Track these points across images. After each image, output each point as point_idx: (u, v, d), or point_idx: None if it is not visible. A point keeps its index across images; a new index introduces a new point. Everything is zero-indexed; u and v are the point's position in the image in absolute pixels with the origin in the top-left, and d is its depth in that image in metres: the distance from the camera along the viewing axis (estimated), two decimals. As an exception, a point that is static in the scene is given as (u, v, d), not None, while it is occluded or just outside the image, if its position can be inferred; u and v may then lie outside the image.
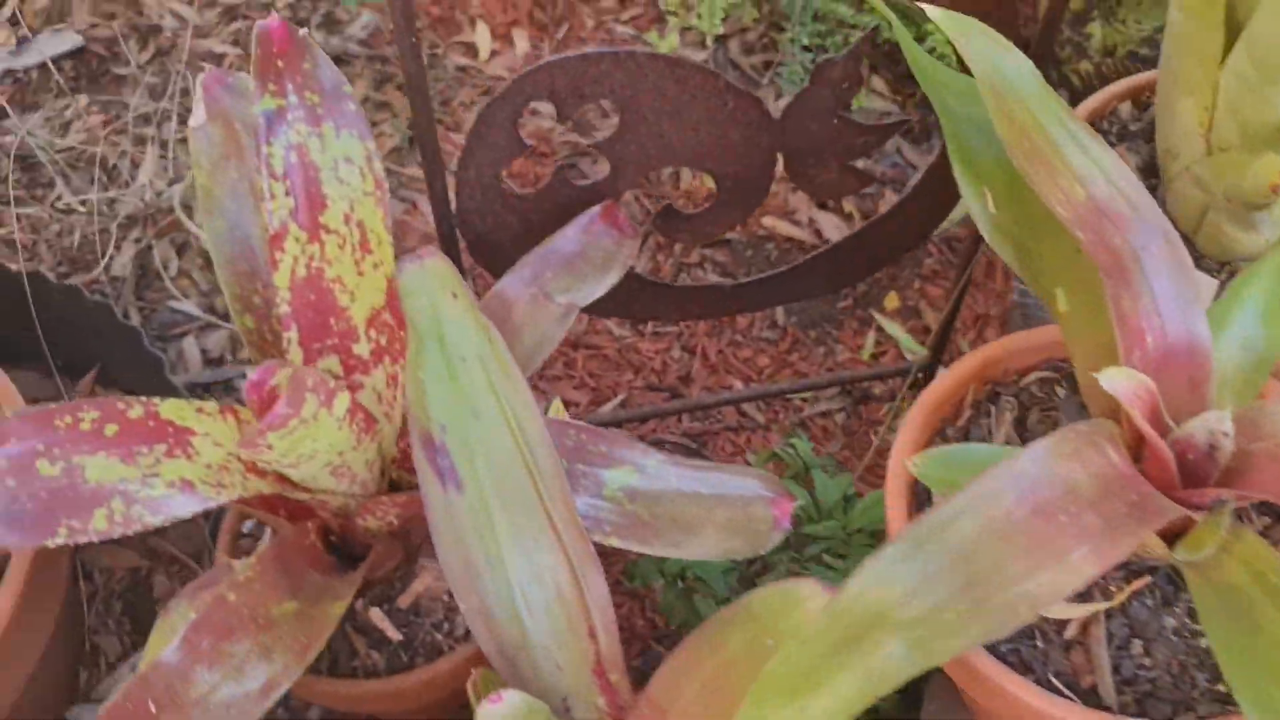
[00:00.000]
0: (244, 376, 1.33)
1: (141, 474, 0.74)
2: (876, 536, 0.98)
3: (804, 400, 1.34)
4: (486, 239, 0.97)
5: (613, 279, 0.91)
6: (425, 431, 0.70)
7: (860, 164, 1.01)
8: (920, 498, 0.73)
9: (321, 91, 0.81)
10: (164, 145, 1.48)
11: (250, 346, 0.89)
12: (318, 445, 0.74)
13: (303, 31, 0.81)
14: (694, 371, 1.35)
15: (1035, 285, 0.63)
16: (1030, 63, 0.60)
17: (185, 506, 0.73)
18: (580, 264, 0.92)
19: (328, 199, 0.82)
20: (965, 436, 0.74)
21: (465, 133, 1.54)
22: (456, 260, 0.99)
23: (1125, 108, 0.91)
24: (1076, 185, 0.58)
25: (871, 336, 1.40)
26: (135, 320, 1.33)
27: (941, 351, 1.27)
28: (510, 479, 0.71)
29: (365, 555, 0.91)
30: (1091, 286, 0.61)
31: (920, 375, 1.32)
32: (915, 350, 1.39)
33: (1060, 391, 0.75)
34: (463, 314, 0.72)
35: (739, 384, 1.35)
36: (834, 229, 1.48)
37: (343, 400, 0.74)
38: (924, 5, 0.64)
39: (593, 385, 1.34)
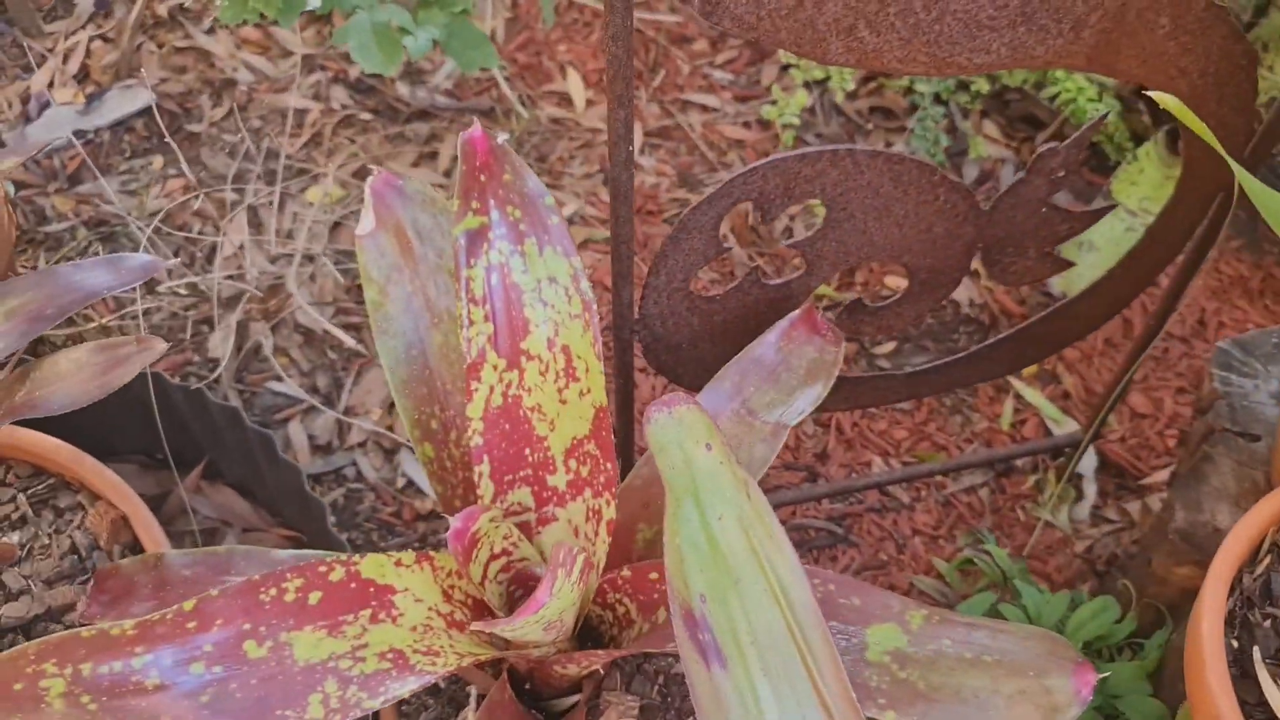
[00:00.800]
0: (354, 465, 1.25)
1: (350, 647, 0.66)
2: (1088, 652, 0.91)
3: (947, 476, 1.27)
4: (664, 340, 0.90)
5: (819, 391, 0.84)
6: (685, 604, 0.63)
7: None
8: (1227, 657, 0.65)
9: (524, 205, 0.74)
10: (252, 211, 1.40)
11: (430, 477, 0.81)
12: (549, 613, 0.67)
13: (503, 138, 0.73)
14: (829, 448, 1.28)
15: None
16: None
17: (403, 686, 0.66)
18: (784, 375, 0.84)
19: (530, 323, 0.74)
20: (1266, 587, 0.67)
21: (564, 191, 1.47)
22: (629, 365, 0.92)
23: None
24: None
25: (1009, 404, 1.33)
26: (236, 403, 1.25)
27: (1100, 431, 1.21)
28: (776, 652, 0.63)
29: (555, 695, 0.84)
30: None
31: (1068, 449, 1.26)
32: (1057, 419, 1.31)
33: (1371, 535, 0.68)
34: (718, 467, 0.65)
35: (877, 459, 1.27)
36: (962, 288, 1.41)
37: (580, 562, 0.66)
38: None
39: (725, 466, 1.26)
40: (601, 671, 0.81)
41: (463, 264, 0.73)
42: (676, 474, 0.64)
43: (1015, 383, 1.34)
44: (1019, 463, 1.29)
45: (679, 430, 0.65)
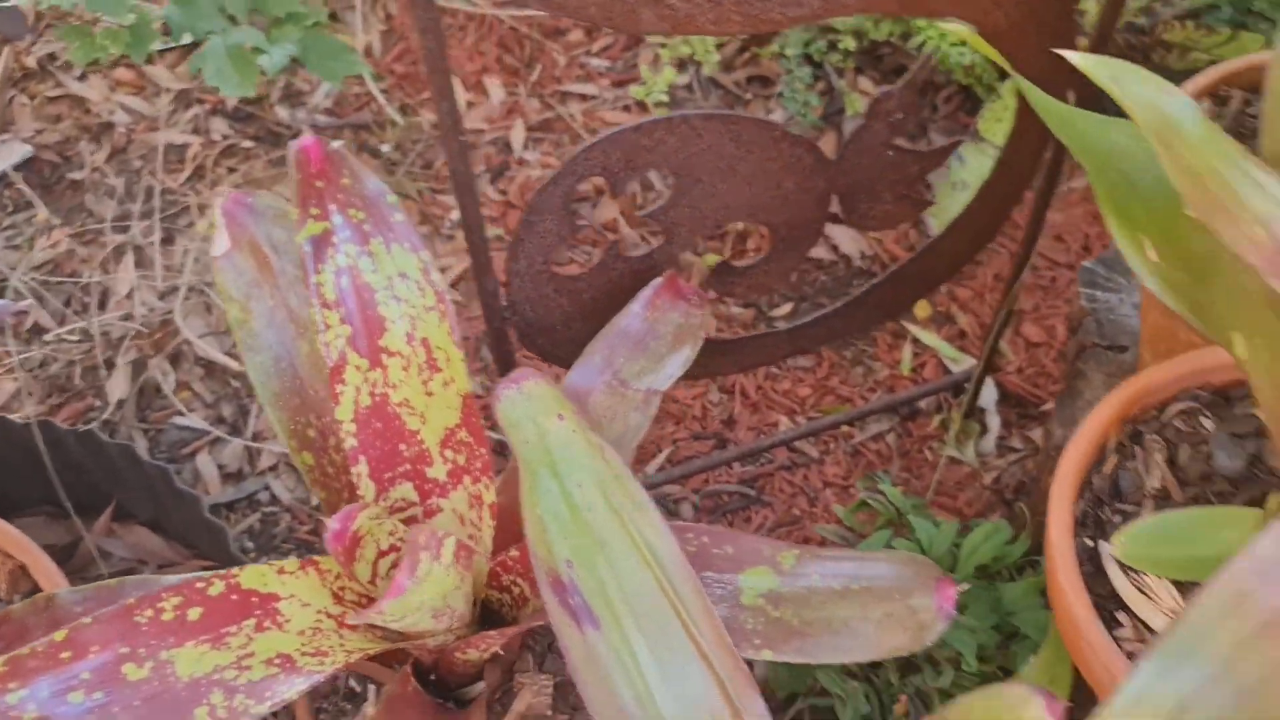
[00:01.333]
0: (267, 489, 1.25)
1: (235, 657, 0.67)
2: (986, 575, 0.93)
3: (853, 426, 1.30)
4: (536, 325, 0.91)
5: (688, 354, 0.86)
6: (551, 570, 0.64)
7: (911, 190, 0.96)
8: (1082, 557, 0.68)
9: (366, 206, 0.75)
10: (139, 251, 1.40)
11: (313, 485, 0.82)
12: (426, 597, 0.68)
13: (337, 144, 0.74)
14: (736, 413, 1.30)
15: (1209, 329, 0.59)
16: (1192, 101, 0.56)
17: (291, 687, 0.67)
18: (652, 343, 0.86)
19: (386, 321, 0.75)
20: (1114, 485, 0.70)
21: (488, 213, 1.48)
22: (508, 354, 0.93)
23: (1204, 105, 0.87)
24: (1259, 228, 0.53)
25: (908, 349, 1.35)
26: (142, 444, 1.25)
27: (992, 362, 1.23)
28: (648, 607, 0.65)
29: (463, 683, 0.85)
30: (1272, 326, 0.56)
31: (967, 385, 1.28)
32: (955, 358, 1.34)
33: (1206, 424, 0.70)
34: (572, 436, 0.66)
35: (783, 418, 1.30)
36: (850, 242, 1.43)
37: (449, 545, 0.67)
38: (1067, 53, 0.59)
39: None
40: (501, 653, 0.82)
41: (311, 270, 0.73)
42: (531, 448, 0.66)
43: (911, 328, 1.37)
44: (923, 405, 1.32)
45: (529, 405, 0.67)
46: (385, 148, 1.52)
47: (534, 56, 1.62)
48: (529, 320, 0.90)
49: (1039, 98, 0.60)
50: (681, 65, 1.54)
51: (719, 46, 1.59)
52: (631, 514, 0.66)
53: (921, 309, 1.38)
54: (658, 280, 0.88)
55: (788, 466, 1.26)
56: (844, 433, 1.29)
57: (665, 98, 1.41)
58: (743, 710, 0.65)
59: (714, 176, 0.86)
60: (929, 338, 1.36)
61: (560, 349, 0.93)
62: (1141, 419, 0.73)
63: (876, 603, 0.67)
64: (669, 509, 1.23)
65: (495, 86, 1.58)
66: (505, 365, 0.93)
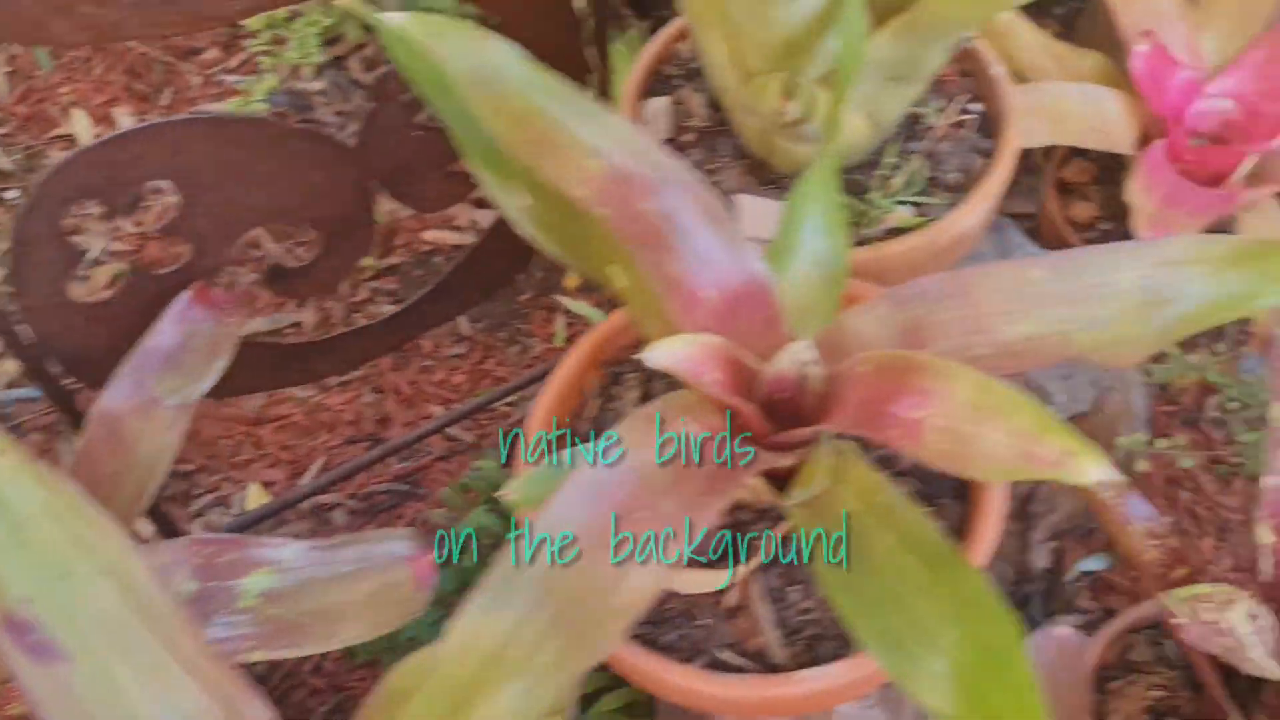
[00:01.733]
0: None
1: None
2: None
3: (510, 406, 1.31)
4: (77, 356, 0.88)
5: (223, 363, 0.84)
6: (5, 612, 0.62)
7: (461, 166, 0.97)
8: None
9: None
10: None
11: None
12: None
13: None
14: (390, 411, 1.29)
15: (589, 269, 0.61)
16: (514, 46, 0.57)
17: None
18: (184, 357, 0.84)
19: None
20: (599, 428, 0.72)
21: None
22: (58, 393, 0.90)
23: (684, 47, 0.90)
24: (591, 159, 0.55)
25: (561, 320, 1.37)
26: None
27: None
28: (124, 632, 0.64)
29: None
30: (630, 255, 0.59)
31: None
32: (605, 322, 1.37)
33: (677, 355, 0.73)
34: (16, 471, 0.64)
35: (439, 409, 1.30)
36: (498, 225, 1.44)
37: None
38: (386, 15, 0.59)
39: (289, 458, 1.26)
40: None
41: None
42: (-32, 490, 0.63)
43: (562, 299, 1.38)
44: (580, 374, 1.34)
45: (-38, 446, 0.64)
46: (10, 193, 1.46)
47: (166, 80, 1.57)
48: (67, 353, 0.88)
49: (403, 58, 0.61)
50: (317, 73, 1.52)
51: (359, 49, 1.57)
52: (96, 541, 0.65)
53: (570, 280, 1.40)
54: (185, 294, 0.86)
55: (444, 456, 1.26)
56: (501, 413, 1.30)
57: (265, 105, 1.39)
58: (242, 712, 0.65)
59: (225, 181, 0.85)
60: (579, 306, 1.37)
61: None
62: (620, 360, 0.75)
63: (361, 584, 0.68)
64: (323, 518, 1.22)
65: (124, 116, 1.53)
66: (56, 398, 0.90)
